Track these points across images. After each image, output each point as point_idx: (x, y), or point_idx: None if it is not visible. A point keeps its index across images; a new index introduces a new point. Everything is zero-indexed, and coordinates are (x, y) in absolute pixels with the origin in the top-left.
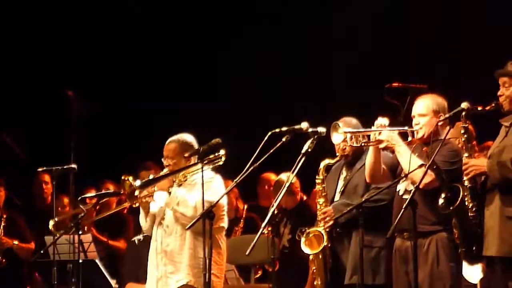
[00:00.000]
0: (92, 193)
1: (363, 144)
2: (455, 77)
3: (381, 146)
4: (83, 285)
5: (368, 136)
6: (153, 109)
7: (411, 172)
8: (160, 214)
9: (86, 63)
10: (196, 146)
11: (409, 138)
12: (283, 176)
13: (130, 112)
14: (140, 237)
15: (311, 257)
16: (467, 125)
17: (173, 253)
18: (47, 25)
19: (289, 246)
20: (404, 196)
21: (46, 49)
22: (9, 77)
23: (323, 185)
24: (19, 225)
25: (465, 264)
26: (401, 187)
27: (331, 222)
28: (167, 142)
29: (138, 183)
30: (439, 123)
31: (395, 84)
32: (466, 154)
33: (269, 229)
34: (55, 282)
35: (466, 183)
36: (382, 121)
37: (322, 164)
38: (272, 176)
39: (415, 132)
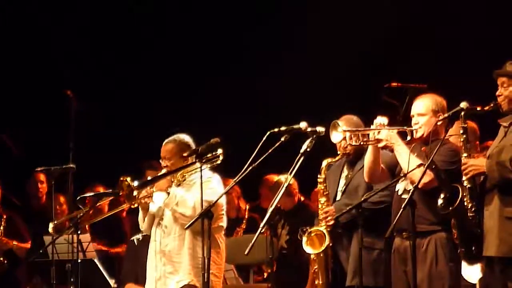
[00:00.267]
0: (90, 193)
1: (362, 143)
2: (454, 77)
3: (380, 145)
4: (81, 284)
5: (368, 135)
6: (152, 109)
7: (410, 171)
8: (159, 214)
9: (85, 63)
10: (193, 146)
11: (408, 138)
12: (282, 178)
13: (129, 112)
14: (139, 236)
15: (312, 256)
16: (466, 125)
17: (172, 253)
18: (46, 24)
19: (287, 247)
20: (403, 196)
21: (45, 48)
22: (8, 77)
23: (325, 184)
24: (18, 225)
25: (464, 264)
26: (400, 186)
27: (332, 222)
28: (164, 143)
29: (136, 183)
30: (438, 123)
31: (394, 84)
32: (465, 154)
33: (267, 230)
34: (54, 282)
35: (465, 183)
36: (381, 120)
37: (324, 163)
38: (275, 178)
39: (414, 132)
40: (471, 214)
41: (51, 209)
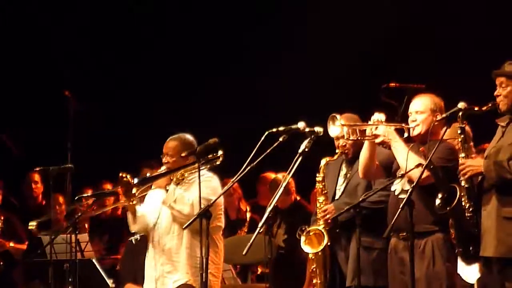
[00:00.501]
0: (89, 193)
1: (359, 138)
2: (453, 77)
3: (378, 140)
4: (79, 285)
5: (365, 131)
6: (152, 109)
7: (408, 171)
8: (157, 213)
9: (85, 63)
10: (196, 145)
11: (405, 135)
12: (279, 175)
13: (129, 112)
14: (137, 236)
15: (310, 256)
16: (464, 125)
17: (171, 252)
18: (46, 24)
19: (285, 246)
20: (400, 196)
21: (45, 48)
22: (7, 77)
23: (323, 183)
24: (15, 226)
25: (462, 264)
26: (397, 186)
27: (330, 220)
28: (168, 140)
29: (136, 180)
30: (435, 123)
31: (392, 84)
32: (462, 155)
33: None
34: (51, 282)
35: (463, 183)
36: (379, 116)
37: (323, 162)
38: (273, 176)
39: (411, 129)
40: (468, 214)
41: (48, 209)
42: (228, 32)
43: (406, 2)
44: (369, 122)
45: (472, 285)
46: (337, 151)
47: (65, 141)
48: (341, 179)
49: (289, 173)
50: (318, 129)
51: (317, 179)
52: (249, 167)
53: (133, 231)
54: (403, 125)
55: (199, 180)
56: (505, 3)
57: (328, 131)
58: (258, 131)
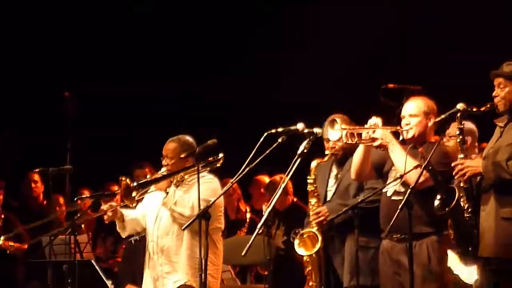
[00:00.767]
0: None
1: (357, 142)
2: (451, 78)
3: (375, 144)
4: (78, 285)
5: (361, 134)
6: (150, 110)
7: (407, 172)
8: (155, 214)
9: (85, 63)
10: (195, 146)
11: (401, 138)
12: (277, 177)
13: (126, 114)
14: (137, 237)
15: (305, 258)
16: (462, 126)
17: (170, 253)
18: (44, 25)
19: (285, 247)
20: (393, 197)
21: (45, 48)
22: (6, 77)
23: (315, 185)
24: (15, 225)
25: (461, 265)
26: (389, 188)
27: (325, 221)
28: (167, 142)
29: (135, 183)
30: (429, 124)
31: (390, 85)
32: (461, 155)
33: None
34: (50, 283)
35: (461, 184)
36: (376, 120)
37: (314, 163)
38: (266, 179)
39: (405, 132)
40: (467, 215)
41: (48, 208)
42: (228, 32)
43: (406, 2)
44: (366, 126)
45: (471, 285)
46: (326, 152)
47: (64, 142)
48: (331, 180)
49: (287, 175)
50: (317, 130)
51: (308, 181)
52: (248, 168)
53: (124, 237)
54: (398, 128)
55: (198, 182)
56: (504, 4)
57: (327, 135)
58: (258, 132)
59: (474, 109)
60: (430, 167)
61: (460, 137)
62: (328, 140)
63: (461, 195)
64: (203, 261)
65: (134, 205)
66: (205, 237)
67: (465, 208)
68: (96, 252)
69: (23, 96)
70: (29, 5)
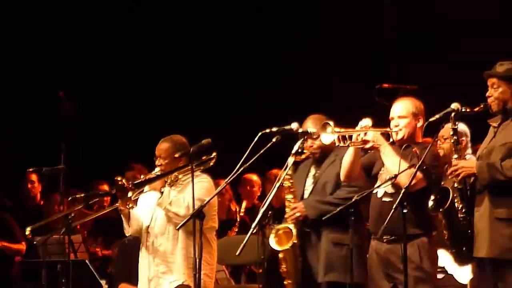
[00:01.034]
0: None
1: (349, 145)
2: (444, 78)
3: (367, 146)
4: (72, 285)
5: (351, 137)
6: (149, 110)
7: (401, 172)
8: (150, 215)
9: (85, 62)
10: (188, 146)
11: (391, 140)
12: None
13: (121, 113)
14: (131, 237)
15: (280, 255)
16: (456, 127)
17: (166, 253)
18: (39, 25)
19: None
20: (384, 199)
21: (44, 48)
22: (4, 78)
23: (291, 181)
24: (10, 225)
25: (455, 265)
26: (379, 189)
27: (300, 218)
28: (160, 142)
29: (132, 183)
30: (418, 124)
31: (385, 85)
32: (455, 156)
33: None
34: (44, 283)
35: (455, 184)
36: (366, 122)
37: (290, 160)
38: (254, 177)
39: (394, 134)
40: (461, 215)
41: (46, 209)
42: (226, 33)
43: (406, 2)
44: (357, 128)
45: (465, 285)
46: (304, 151)
47: (59, 142)
48: (309, 180)
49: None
50: (311, 130)
51: (285, 176)
52: (242, 168)
53: (128, 235)
54: (388, 129)
55: (193, 181)
56: (497, 6)
57: (321, 139)
58: (252, 132)
59: (468, 110)
60: (424, 167)
61: (454, 137)
62: (306, 140)
63: (455, 195)
64: (197, 260)
65: (130, 205)
66: (199, 236)
67: (459, 208)
68: (90, 249)
69: (23, 96)
70: (27, 5)
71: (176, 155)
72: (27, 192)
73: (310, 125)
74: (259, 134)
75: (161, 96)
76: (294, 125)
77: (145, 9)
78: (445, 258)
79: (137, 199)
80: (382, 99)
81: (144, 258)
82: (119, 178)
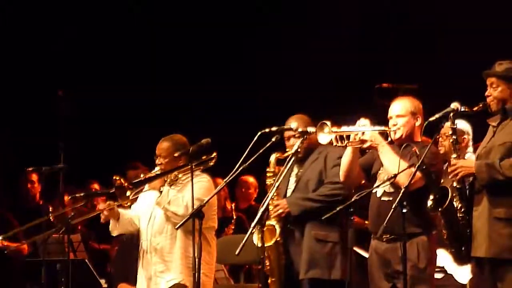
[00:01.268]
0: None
1: (347, 144)
2: (444, 78)
3: (365, 145)
4: (72, 285)
5: (349, 137)
6: (143, 109)
7: (401, 171)
8: (149, 213)
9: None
10: (188, 146)
11: (389, 139)
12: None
13: (121, 113)
14: (129, 235)
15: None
16: (455, 126)
17: (164, 252)
18: (37, 25)
19: None
20: (383, 198)
21: (43, 48)
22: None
23: (274, 178)
24: (9, 224)
25: (454, 265)
26: (378, 189)
27: (283, 215)
28: (160, 141)
29: (130, 182)
30: (416, 124)
31: (385, 85)
32: (454, 155)
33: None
34: (43, 282)
35: (454, 184)
36: (364, 121)
37: (272, 157)
38: (250, 179)
39: (392, 133)
40: (460, 215)
41: (46, 208)
42: (225, 33)
43: (406, 2)
44: (354, 127)
45: (464, 285)
46: (287, 150)
47: (57, 141)
48: (292, 179)
49: (281, 174)
50: (311, 130)
51: (268, 174)
52: (241, 168)
53: (114, 235)
54: (386, 128)
55: (192, 181)
56: (497, 6)
57: (318, 139)
58: (251, 131)
59: (467, 109)
60: (424, 167)
61: (453, 137)
62: (288, 138)
63: (454, 195)
64: (196, 260)
65: (128, 204)
66: (198, 236)
67: (458, 208)
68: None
69: (23, 96)
70: (25, 5)
71: (176, 154)
72: (26, 192)
73: (293, 124)
74: (258, 133)
75: (161, 96)
76: (293, 125)
77: (145, 9)
78: (444, 257)
79: (137, 197)
80: (382, 99)
81: (142, 257)
82: (117, 177)
